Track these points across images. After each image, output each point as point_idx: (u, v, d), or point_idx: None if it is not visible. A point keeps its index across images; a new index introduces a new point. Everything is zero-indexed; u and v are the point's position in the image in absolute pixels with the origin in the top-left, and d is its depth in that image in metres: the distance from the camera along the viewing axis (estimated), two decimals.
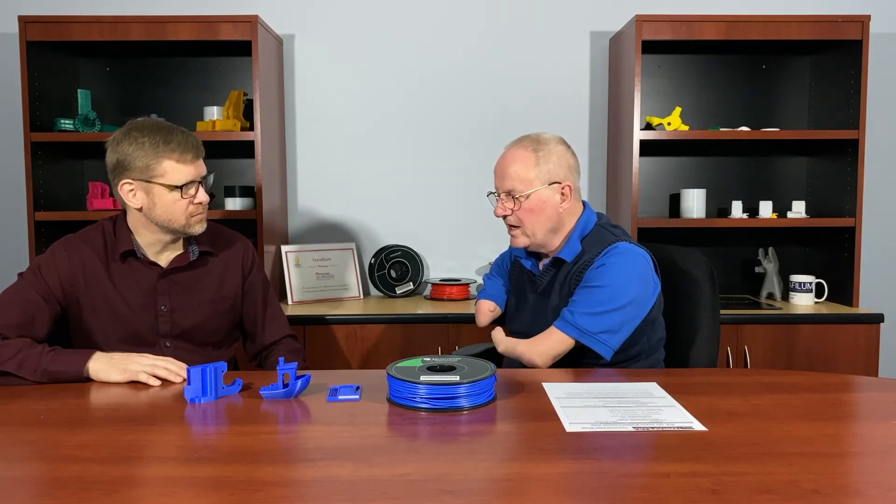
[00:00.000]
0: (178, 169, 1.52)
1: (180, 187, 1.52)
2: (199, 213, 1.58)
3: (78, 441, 1.09)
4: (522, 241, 1.64)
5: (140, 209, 1.55)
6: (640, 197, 2.82)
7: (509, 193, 1.60)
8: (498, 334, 1.69)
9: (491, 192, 1.67)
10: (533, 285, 1.70)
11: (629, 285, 1.52)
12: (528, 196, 1.58)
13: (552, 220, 1.61)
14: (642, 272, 1.55)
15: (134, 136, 1.52)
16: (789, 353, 2.45)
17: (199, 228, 1.59)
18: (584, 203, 1.67)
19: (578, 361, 1.58)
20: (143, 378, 1.39)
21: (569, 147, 1.65)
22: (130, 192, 1.54)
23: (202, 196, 1.56)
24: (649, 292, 1.57)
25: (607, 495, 0.88)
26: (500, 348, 1.66)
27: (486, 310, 1.83)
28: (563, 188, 1.60)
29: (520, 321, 1.73)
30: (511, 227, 1.64)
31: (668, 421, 1.15)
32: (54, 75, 2.59)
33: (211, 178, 1.62)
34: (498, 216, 1.64)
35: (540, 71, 2.86)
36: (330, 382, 1.38)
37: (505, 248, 1.92)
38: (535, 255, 1.72)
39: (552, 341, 1.54)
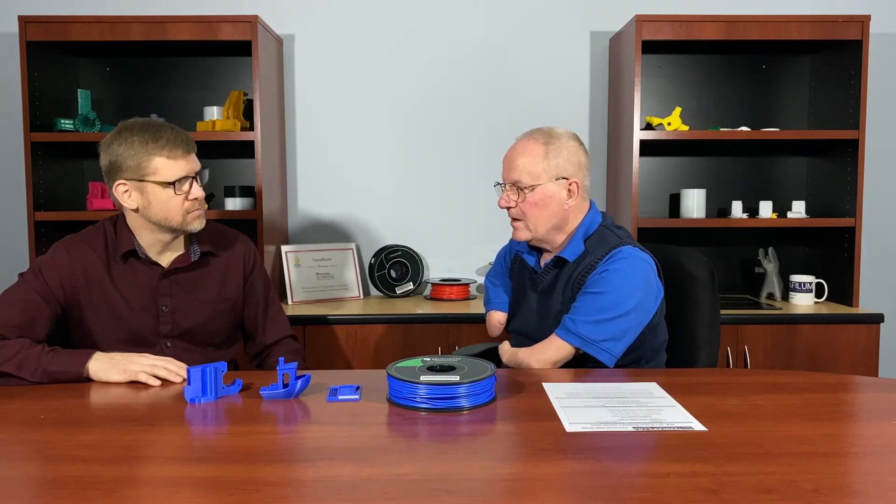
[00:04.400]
0: (168, 165, 1.52)
1: (173, 183, 1.52)
2: (195, 210, 1.57)
3: (78, 441, 1.09)
4: (524, 235, 1.62)
5: (136, 210, 1.55)
6: (640, 197, 2.82)
7: (515, 185, 1.58)
8: (504, 347, 1.68)
9: (498, 183, 1.65)
10: (533, 283, 1.69)
11: (633, 292, 1.50)
12: (533, 189, 1.56)
13: (556, 217, 1.59)
14: (646, 278, 1.53)
15: (124, 136, 1.52)
16: (789, 353, 2.45)
17: (197, 225, 1.58)
18: (590, 202, 1.66)
19: (580, 367, 1.56)
20: (142, 378, 1.39)
21: (581, 144, 1.62)
22: (125, 193, 1.54)
23: (197, 191, 1.56)
24: (652, 298, 1.55)
25: (607, 495, 0.88)
26: (504, 359, 1.64)
27: (497, 322, 1.83)
28: (570, 184, 1.58)
29: (521, 320, 1.72)
30: (514, 219, 1.62)
31: (668, 421, 1.15)
32: (54, 75, 2.59)
33: (206, 173, 1.61)
34: (502, 207, 1.62)
35: (540, 71, 2.86)
36: (330, 382, 1.38)
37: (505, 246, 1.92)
38: (538, 251, 1.71)
39: (553, 349, 1.53)
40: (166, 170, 1.52)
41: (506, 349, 1.66)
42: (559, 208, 1.58)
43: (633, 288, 1.50)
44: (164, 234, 1.59)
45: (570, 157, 1.58)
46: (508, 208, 1.61)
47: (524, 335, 1.66)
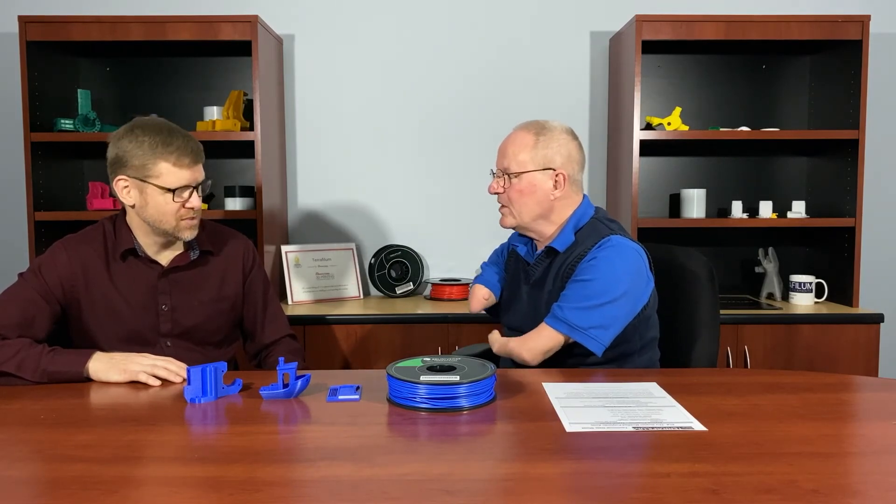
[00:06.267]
0: (173, 172, 1.52)
1: (173, 191, 1.52)
2: (189, 218, 1.57)
3: (78, 441, 1.09)
4: (509, 221, 1.66)
5: (132, 206, 1.56)
6: (640, 197, 2.82)
7: (504, 172, 1.62)
8: (494, 335, 1.70)
9: (493, 171, 1.69)
10: (526, 275, 1.69)
11: (621, 279, 1.51)
12: (519, 177, 1.60)
13: (541, 206, 1.61)
14: (635, 266, 1.54)
15: (136, 133, 1.52)
16: (789, 353, 2.45)
17: (188, 234, 1.58)
18: (584, 196, 1.67)
19: (568, 356, 1.57)
20: (142, 378, 1.39)
21: (575, 138, 1.64)
22: (125, 189, 1.55)
23: (195, 202, 1.56)
24: (642, 287, 1.56)
25: (607, 495, 0.88)
26: (495, 348, 1.66)
27: (481, 296, 1.81)
28: (556, 175, 1.60)
29: (513, 313, 1.73)
30: (501, 205, 1.66)
31: (668, 421, 1.15)
32: (54, 75, 2.59)
33: (209, 183, 1.61)
34: (491, 193, 1.66)
35: (540, 71, 2.86)
36: (330, 382, 1.38)
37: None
38: (531, 243, 1.72)
39: (542, 338, 1.53)
40: (170, 176, 1.52)
41: (495, 338, 1.67)
42: (544, 198, 1.60)
43: (621, 275, 1.51)
44: (157, 235, 1.60)
45: (559, 148, 1.60)
46: (498, 195, 1.65)
47: (516, 329, 1.67)
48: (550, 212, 1.62)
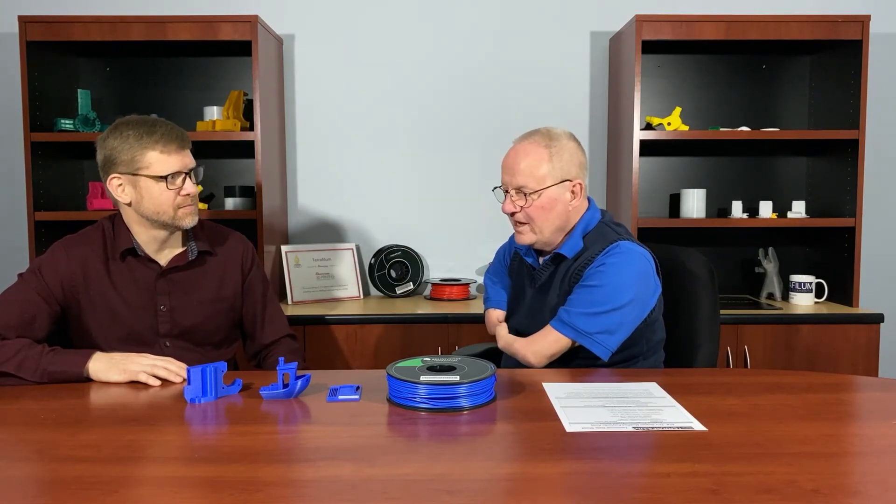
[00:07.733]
0: (162, 160, 1.53)
1: (165, 178, 1.53)
2: (187, 205, 1.57)
3: (78, 441, 1.09)
4: (529, 238, 1.60)
5: (129, 204, 1.56)
6: (640, 197, 2.82)
7: (519, 190, 1.56)
8: (501, 329, 1.70)
9: (497, 187, 1.63)
10: (532, 279, 1.68)
11: (628, 286, 1.50)
12: (539, 194, 1.54)
13: (561, 218, 1.58)
14: (643, 272, 1.54)
15: (120, 130, 1.54)
16: (789, 353, 2.45)
17: (188, 221, 1.59)
18: (589, 199, 1.66)
19: (574, 358, 1.56)
20: (142, 378, 1.39)
21: (579, 143, 1.62)
22: (119, 187, 1.55)
23: (189, 187, 1.56)
24: (650, 293, 1.55)
25: (607, 495, 0.88)
26: (500, 344, 1.66)
27: (496, 319, 1.81)
28: (574, 186, 1.57)
29: (517, 317, 1.72)
30: (518, 223, 1.61)
31: (668, 421, 1.15)
32: (54, 75, 2.59)
33: (201, 170, 1.62)
34: (506, 213, 1.60)
35: (540, 71, 2.86)
36: (330, 382, 1.38)
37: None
38: (537, 251, 1.71)
39: (548, 341, 1.53)
40: (159, 164, 1.53)
41: (502, 334, 1.67)
42: (564, 210, 1.57)
43: (629, 282, 1.50)
44: (158, 231, 1.60)
45: (571, 158, 1.57)
46: (513, 213, 1.59)
47: (520, 331, 1.66)
48: (568, 222, 1.60)
